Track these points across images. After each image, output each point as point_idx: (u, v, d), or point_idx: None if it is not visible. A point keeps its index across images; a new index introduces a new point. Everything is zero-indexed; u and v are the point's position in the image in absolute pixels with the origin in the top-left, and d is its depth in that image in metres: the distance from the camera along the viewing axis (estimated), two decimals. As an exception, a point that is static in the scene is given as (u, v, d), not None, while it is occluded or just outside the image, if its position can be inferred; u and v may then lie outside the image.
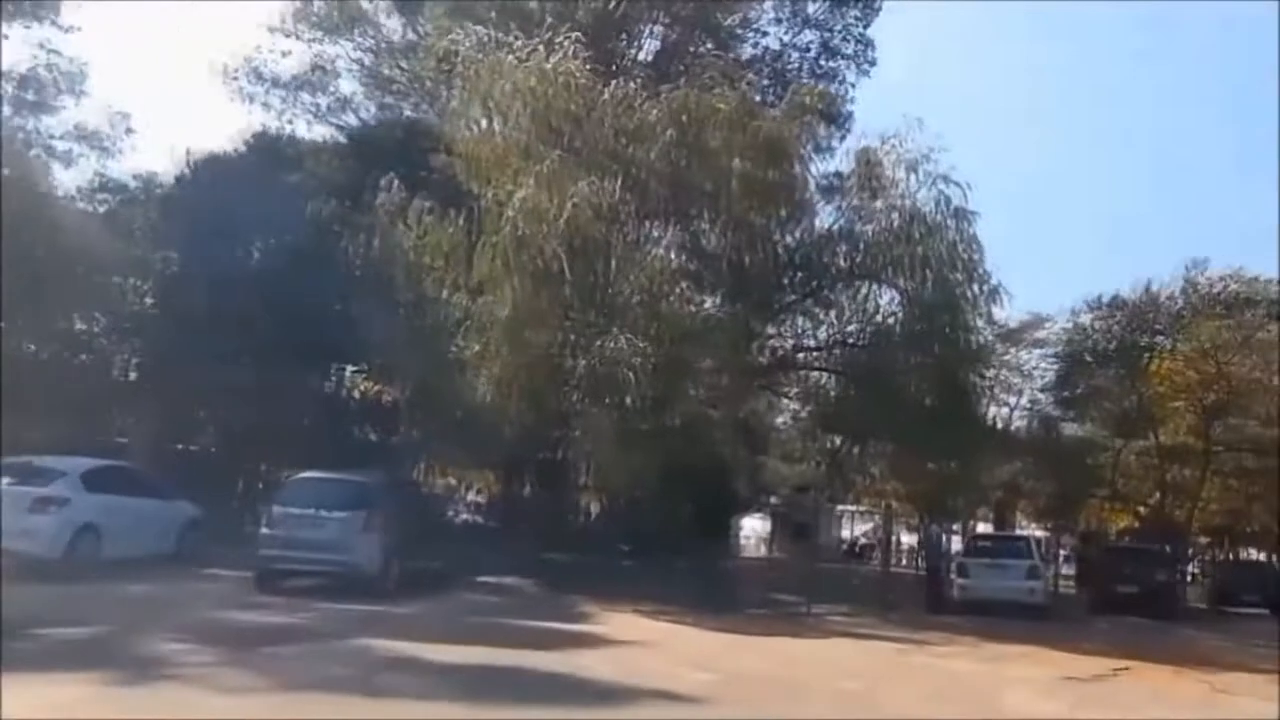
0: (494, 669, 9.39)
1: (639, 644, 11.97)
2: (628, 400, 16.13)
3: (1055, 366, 36.61)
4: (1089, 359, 34.05)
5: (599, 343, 16.79)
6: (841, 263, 20.66)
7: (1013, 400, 40.44)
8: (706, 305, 19.15)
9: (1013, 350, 40.56)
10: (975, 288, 20.37)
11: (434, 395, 20.37)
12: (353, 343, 21.32)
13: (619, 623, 14.27)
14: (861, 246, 20.30)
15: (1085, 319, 34.45)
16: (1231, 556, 40.17)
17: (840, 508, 48.41)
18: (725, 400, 20.96)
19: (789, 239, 20.28)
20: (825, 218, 21.32)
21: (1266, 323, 30.43)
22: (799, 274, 20.72)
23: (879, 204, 20.51)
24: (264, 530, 14.92)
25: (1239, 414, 30.92)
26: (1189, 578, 34.82)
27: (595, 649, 11.28)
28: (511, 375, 17.26)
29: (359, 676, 8.73)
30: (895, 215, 20.20)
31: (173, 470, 19.85)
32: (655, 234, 17.64)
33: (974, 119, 66.01)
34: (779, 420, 40.41)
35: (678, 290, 16.80)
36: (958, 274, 20.22)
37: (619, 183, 18.50)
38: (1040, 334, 38.31)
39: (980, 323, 21.05)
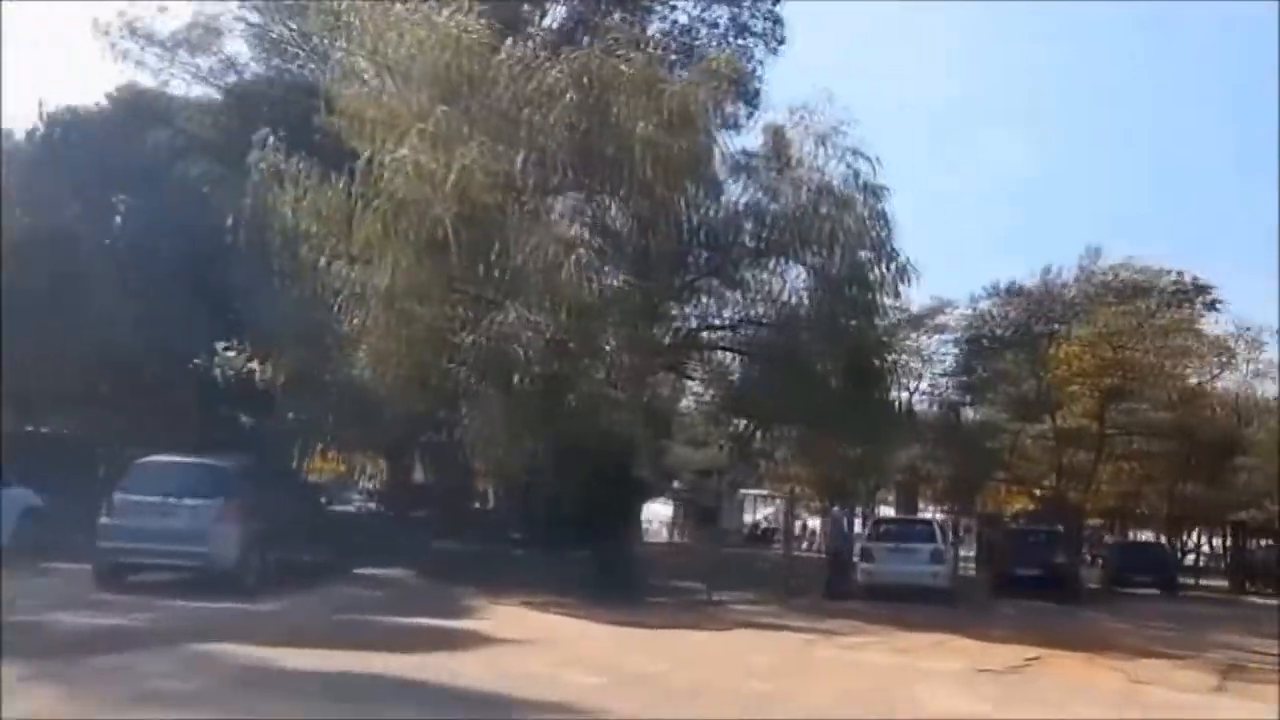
0: (348, 676, 8.18)
1: (524, 642, 10.91)
2: (518, 379, 14.93)
3: (956, 351, 36.89)
4: (989, 344, 34.38)
5: (489, 317, 15.58)
6: (749, 239, 19.80)
7: (914, 385, 40.53)
8: (608, 280, 18.04)
9: (914, 335, 40.86)
10: (884, 266, 19.81)
11: (313, 373, 18.87)
12: (224, 315, 19.65)
13: (506, 617, 13.19)
14: (769, 221, 19.46)
15: (985, 305, 34.79)
16: (1124, 538, 41.06)
17: (745, 492, 48.30)
18: (627, 381, 19.97)
19: (696, 212, 19.30)
20: (734, 191, 20.42)
21: (1161, 309, 31.06)
22: (706, 249, 19.78)
23: (788, 177, 19.69)
24: (104, 520, 13.34)
25: (1134, 398, 31.39)
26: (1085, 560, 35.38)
27: (473, 649, 10.17)
28: (392, 351, 15.94)
29: (189, 690, 7.46)
30: (804, 189, 19.42)
31: (20, 455, 17.93)
32: (554, 203, 16.46)
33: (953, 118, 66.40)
34: (685, 404, 39.93)
35: (575, 260, 15.62)
36: (867, 251, 19.62)
37: (516, 148, 17.32)
38: (942, 319, 38.47)
39: (889, 302, 20.49)
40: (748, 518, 49.04)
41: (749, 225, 19.72)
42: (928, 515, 23.64)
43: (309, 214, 17.88)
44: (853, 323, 20.25)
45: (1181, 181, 68.95)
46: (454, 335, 16.01)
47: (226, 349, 20.43)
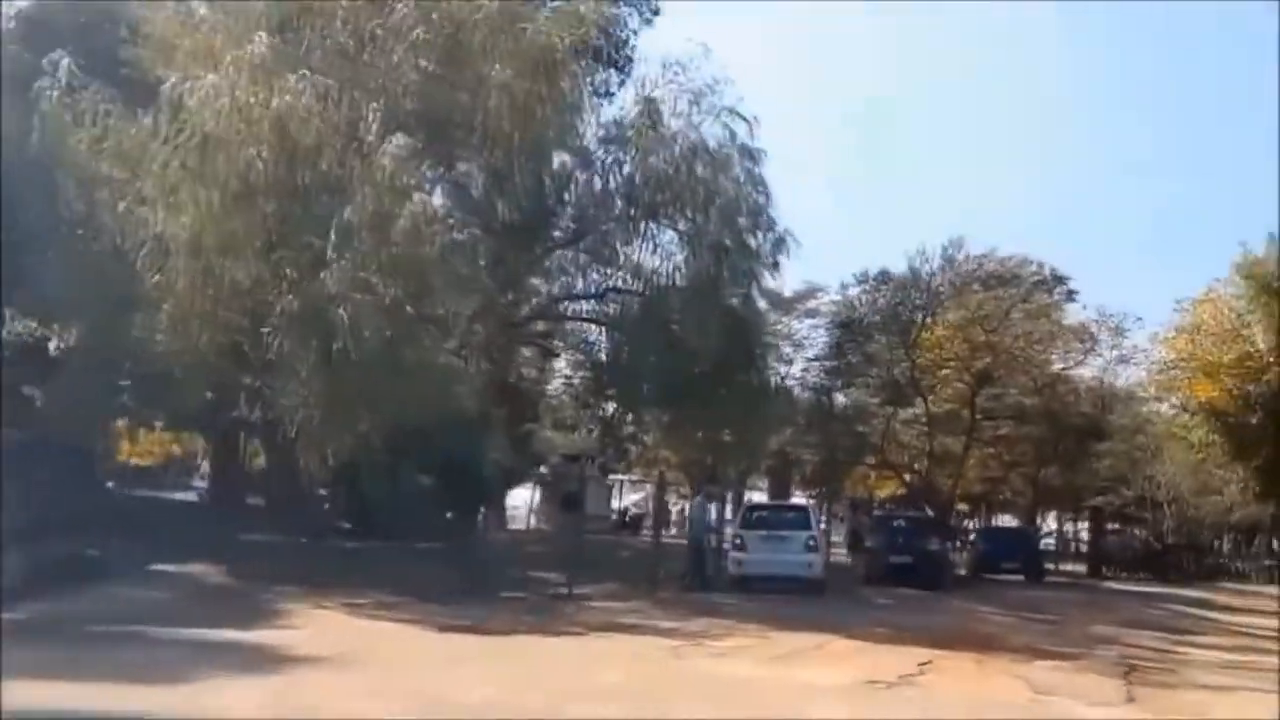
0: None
1: (331, 660, 8.91)
2: (339, 346, 12.79)
3: (827, 336, 36.33)
4: (860, 329, 33.86)
5: (311, 276, 13.40)
6: (617, 200, 18.13)
7: (785, 369, 39.67)
8: (456, 238, 16.04)
9: (786, 319, 40.17)
10: (762, 235, 18.48)
11: (109, 338, 16.22)
12: (4, 270, 16.72)
13: (322, 624, 11.16)
14: (639, 181, 17.81)
15: (855, 292, 34.30)
16: (989, 523, 41.43)
17: (616, 478, 46.85)
18: (480, 354, 18.06)
19: (559, 168, 17.49)
20: (601, 148, 18.67)
21: (1023, 298, 31.02)
22: (569, 210, 18.00)
23: (660, 135, 18.06)
24: None
25: (1002, 383, 31.24)
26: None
27: (261, 673, 8.12)
28: (199, 313, 13.59)
29: None
30: (677, 148, 17.84)
31: None
32: (393, 149, 14.34)
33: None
34: (553, 385, 38.24)
35: (414, 212, 13.58)
36: (744, 218, 18.23)
37: (352, 87, 15.15)
38: (813, 304, 37.80)
39: (766, 273, 19.17)
40: (618, 504, 47.63)
41: (617, 185, 18.03)
42: (801, 501, 22.49)
43: (108, 154, 15.32)
44: (728, 294, 18.89)
45: (1049, 171, 70.41)
46: (271, 295, 13.76)
47: (8, 310, 17.49)
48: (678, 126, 18.17)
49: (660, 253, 18.63)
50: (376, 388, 13.28)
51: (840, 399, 36.22)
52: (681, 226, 18.18)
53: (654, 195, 17.86)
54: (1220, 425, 24.10)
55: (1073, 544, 41.55)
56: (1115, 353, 31.87)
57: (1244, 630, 17.90)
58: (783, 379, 40.09)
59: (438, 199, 16.84)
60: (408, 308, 13.87)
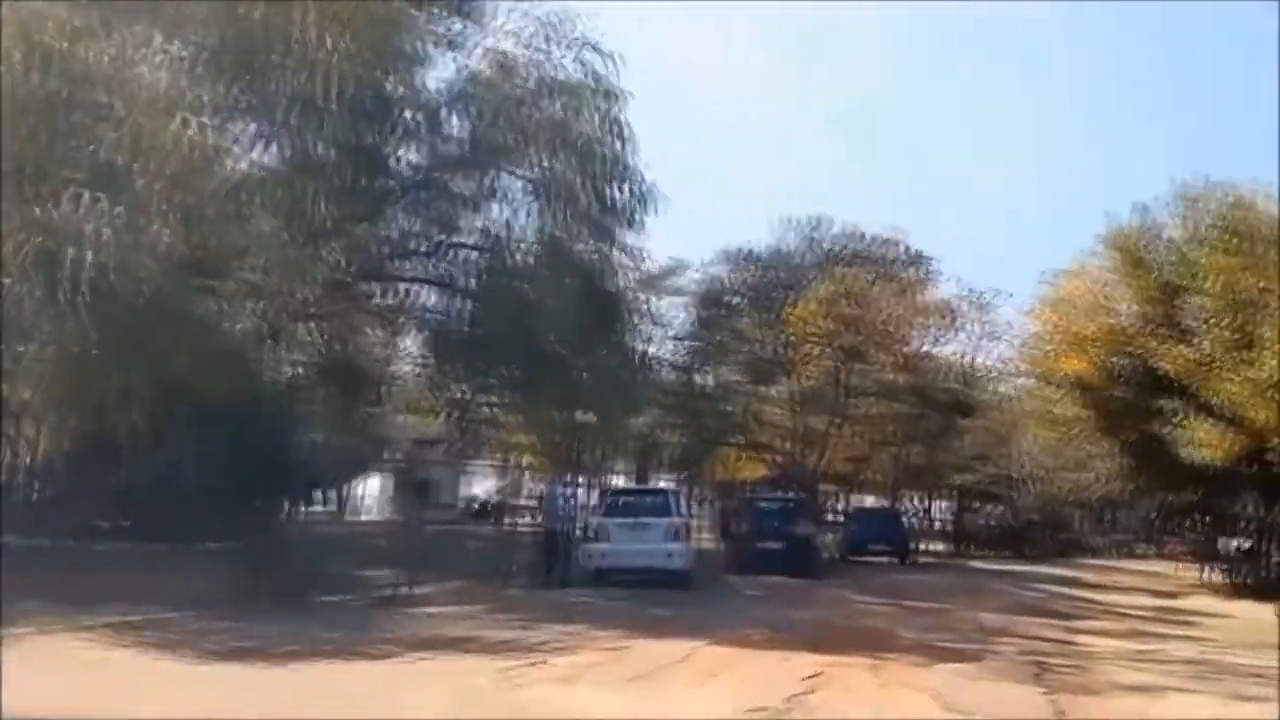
0: None
1: None
2: (66, 294, 9.97)
3: (692, 314, 34.84)
4: (725, 306, 32.52)
5: (55, 208, 10.54)
6: (456, 137, 15.73)
7: (649, 349, 37.86)
8: (250, 171, 13.33)
9: (650, 296, 38.52)
10: (622, 186, 16.41)
11: None
12: None
13: (31, 656, 8.44)
14: (484, 115, 15.44)
15: (720, 270, 32.84)
16: (856, 505, 40.71)
17: (472, 464, 44.27)
18: (295, 318, 15.40)
19: (386, 97, 14.90)
20: (437, 76, 16.16)
21: (890, 274, 30.17)
22: (399, 148, 15.44)
23: (507, 66, 15.75)
24: None
25: (869, 360, 30.28)
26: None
27: None
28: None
29: None
30: (526, 81, 15.57)
31: None
32: (165, 57, 11.57)
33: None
34: (405, 365, 35.47)
35: (190, 137, 10.89)
36: (601, 166, 16.11)
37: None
38: (677, 281, 36.19)
39: (628, 232, 17.14)
40: (473, 491, 45.04)
41: (456, 121, 15.63)
42: (664, 485, 20.54)
43: None
44: (584, 252, 16.79)
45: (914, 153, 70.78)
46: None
47: None
48: (527, 58, 15.91)
49: (508, 204, 16.42)
50: (137, 350, 10.55)
51: (706, 379, 34.77)
52: (530, 173, 15.96)
53: (501, 137, 15.55)
54: (1088, 399, 23.49)
55: (935, 523, 41.38)
56: (981, 328, 31.35)
57: (1124, 612, 17.06)
58: (646, 354, 38.79)
59: (236, 131, 14.05)
60: (180, 253, 11.10)
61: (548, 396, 19.77)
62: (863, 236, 31.31)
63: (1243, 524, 36.81)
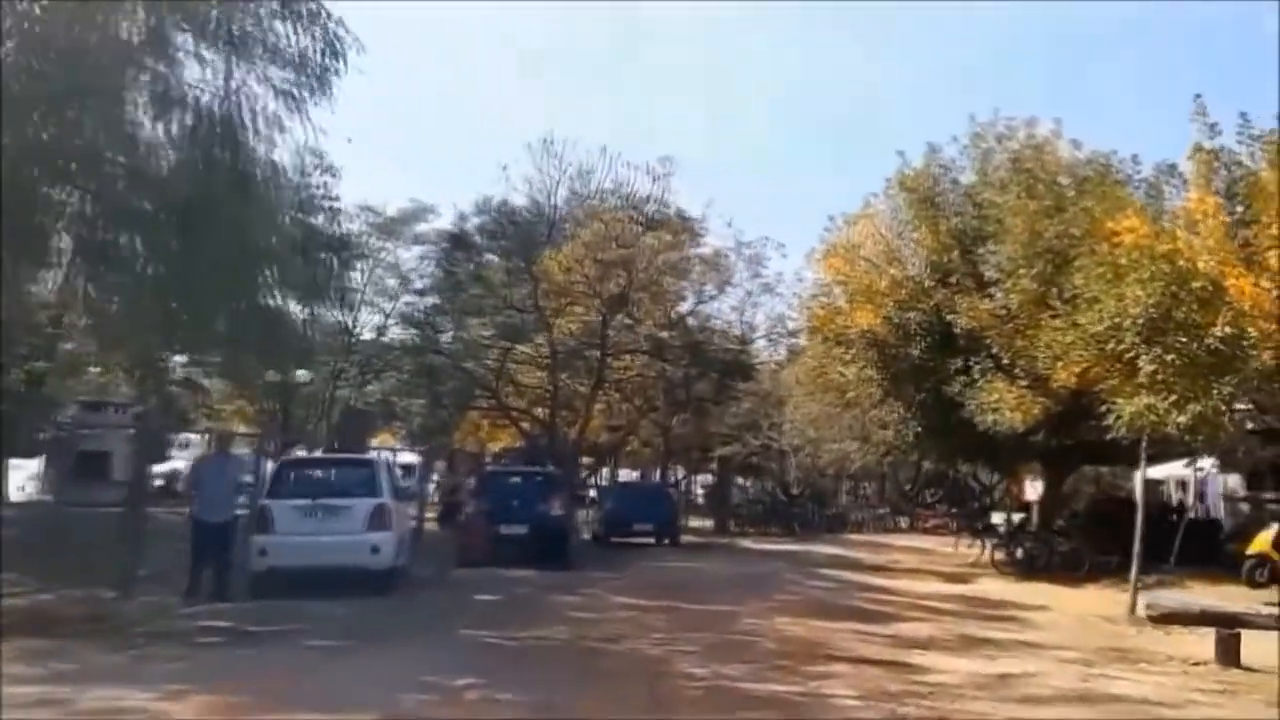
0: None
1: None
2: None
3: (437, 264, 30.08)
4: (478, 258, 28.08)
5: None
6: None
7: (388, 305, 32.39)
8: None
9: (388, 244, 33.38)
10: (296, 26, 11.50)
11: None
12: None
13: None
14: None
15: (476, 221, 28.28)
16: (617, 478, 37.21)
17: (177, 435, 37.21)
18: None
19: None
20: None
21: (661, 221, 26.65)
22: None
23: None
24: None
25: (636, 313, 26.67)
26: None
27: None
28: None
29: None
30: None
31: None
32: None
33: None
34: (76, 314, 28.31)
35: None
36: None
37: None
38: (423, 229, 31.14)
39: (311, 101, 12.10)
40: (170, 466, 37.82)
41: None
42: (367, 455, 15.40)
43: None
44: (249, 131, 11.76)
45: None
46: None
47: None
48: None
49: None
50: None
51: (453, 337, 29.98)
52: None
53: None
54: (877, 358, 20.84)
55: (700, 499, 38.81)
56: (754, 283, 28.35)
57: (934, 606, 14.19)
58: (388, 315, 33.80)
59: None
60: None
61: (243, 348, 14.73)
62: (627, 194, 27.67)
63: (999, 500, 36.85)
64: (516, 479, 19.29)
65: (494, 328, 28.61)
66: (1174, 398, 12.73)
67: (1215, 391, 12.63)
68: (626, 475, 39.28)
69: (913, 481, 40.98)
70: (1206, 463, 22.48)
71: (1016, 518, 25.07)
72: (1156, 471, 30.49)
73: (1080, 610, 14.07)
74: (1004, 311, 18.72)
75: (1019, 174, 19.23)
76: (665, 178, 24.18)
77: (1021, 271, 18.10)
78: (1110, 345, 13.57)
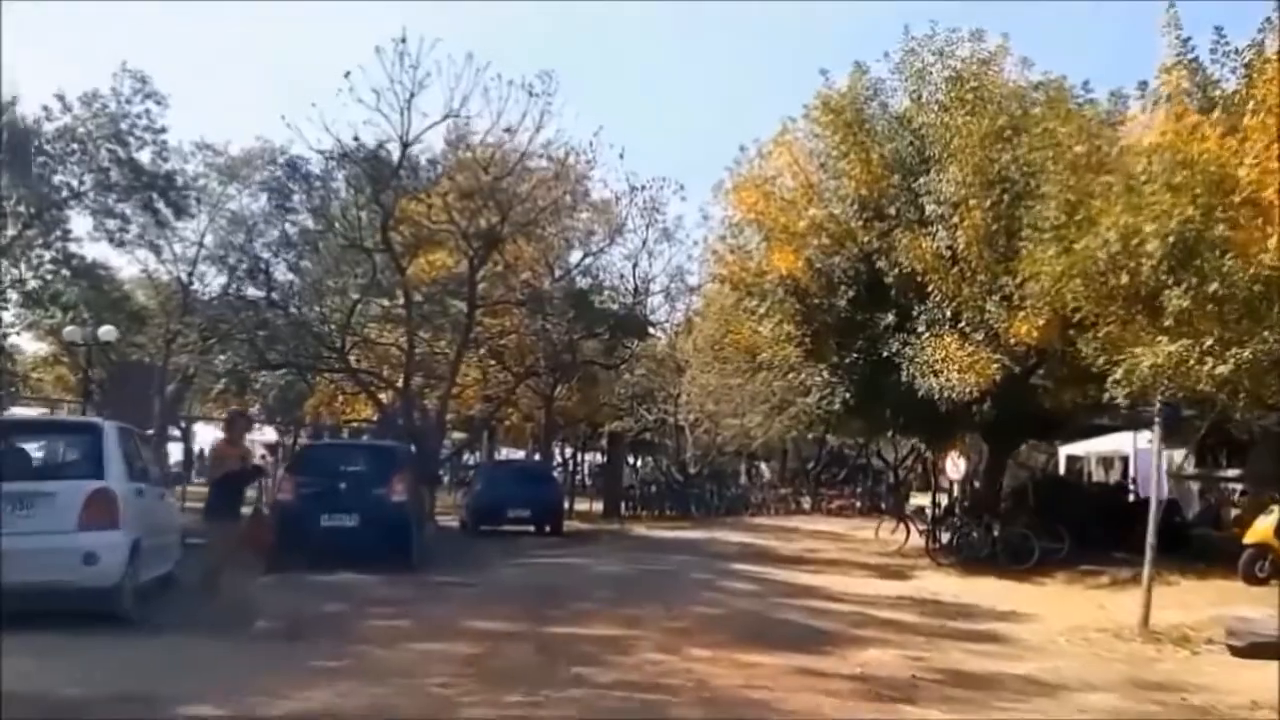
0: None
1: None
2: None
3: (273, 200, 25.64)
4: (328, 206, 23.79)
5: None
6: None
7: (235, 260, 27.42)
8: None
9: (225, 187, 28.81)
10: None
11: None
12: None
13: None
14: None
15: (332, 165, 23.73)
16: (493, 456, 33.03)
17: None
18: None
19: None
20: None
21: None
22: None
23: None
24: None
25: (512, 258, 22.69)
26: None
27: None
28: None
29: None
30: None
31: None
32: None
33: None
34: None
35: None
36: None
37: None
38: (268, 172, 26.48)
39: None
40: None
41: None
42: (91, 419, 11.02)
43: None
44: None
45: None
46: None
47: None
48: None
49: None
50: None
51: (287, 288, 25.32)
52: None
53: None
54: (800, 310, 17.47)
55: (589, 480, 35.11)
56: (653, 230, 24.73)
57: (889, 620, 10.82)
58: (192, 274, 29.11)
59: None
60: None
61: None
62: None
63: (904, 479, 34.33)
64: (344, 456, 15.08)
65: (338, 274, 24.19)
66: (1209, 342, 9.61)
67: (1268, 334, 9.50)
68: (511, 454, 35.22)
69: (815, 459, 38.31)
70: (1144, 437, 19.73)
71: (944, 500, 22.15)
72: (1074, 448, 28.46)
73: (1070, 621, 10.90)
74: (948, 252, 15.62)
75: (964, 93, 16.04)
76: (545, 96, 20.06)
77: (973, 203, 14.99)
78: (1121, 278, 10.31)
